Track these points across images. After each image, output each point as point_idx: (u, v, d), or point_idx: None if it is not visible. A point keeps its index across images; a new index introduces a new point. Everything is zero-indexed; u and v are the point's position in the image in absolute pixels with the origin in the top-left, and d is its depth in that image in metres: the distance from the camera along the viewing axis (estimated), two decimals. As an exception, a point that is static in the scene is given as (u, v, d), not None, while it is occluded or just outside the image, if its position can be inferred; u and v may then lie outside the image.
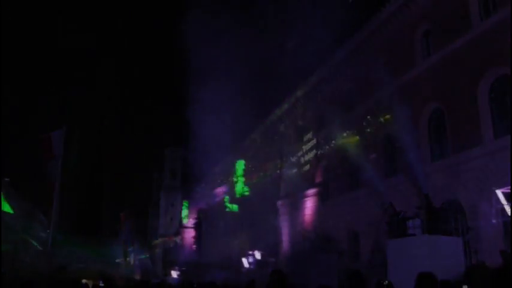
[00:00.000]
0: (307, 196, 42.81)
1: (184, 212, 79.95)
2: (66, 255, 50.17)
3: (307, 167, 42.83)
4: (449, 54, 26.81)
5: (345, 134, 36.35)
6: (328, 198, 39.43)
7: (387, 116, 31.16)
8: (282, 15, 39.45)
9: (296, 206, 44.01)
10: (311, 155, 42.20)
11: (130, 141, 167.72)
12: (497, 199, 18.43)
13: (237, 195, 51.31)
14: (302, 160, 43.47)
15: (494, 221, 18.58)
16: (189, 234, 51.53)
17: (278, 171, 47.46)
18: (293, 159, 44.58)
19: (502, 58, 23.08)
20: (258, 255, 43.36)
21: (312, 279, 22.17)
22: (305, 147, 42.80)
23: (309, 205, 42.49)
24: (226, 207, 53.87)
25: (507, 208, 18.23)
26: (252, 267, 42.59)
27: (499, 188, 18.80)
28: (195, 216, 50.70)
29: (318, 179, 42.02)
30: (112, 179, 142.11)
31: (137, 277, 54.97)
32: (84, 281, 24.16)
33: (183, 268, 55.84)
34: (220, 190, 53.53)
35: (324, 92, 41.06)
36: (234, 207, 51.34)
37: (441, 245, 17.02)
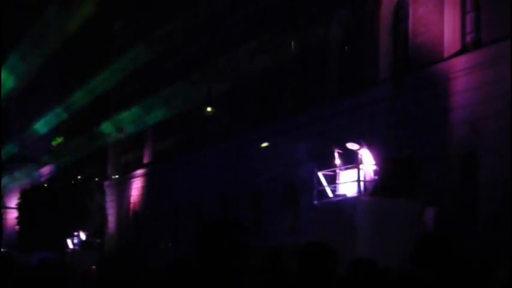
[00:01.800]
0: (135, 177, 42.73)
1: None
2: None
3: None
4: None
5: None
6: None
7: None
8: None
9: (123, 187, 43.82)
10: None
11: None
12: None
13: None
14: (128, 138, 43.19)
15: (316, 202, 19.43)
16: (12, 215, 50.11)
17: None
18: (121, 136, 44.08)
19: None
20: (83, 235, 42.78)
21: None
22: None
23: (137, 185, 42.46)
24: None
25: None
26: (76, 248, 41.97)
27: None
28: (18, 196, 49.28)
29: (146, 160, 42.05)
30: None
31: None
32: None
33: (4, 250, 53.86)
34: (46, 170, 52.17)
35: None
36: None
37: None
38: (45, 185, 48.58)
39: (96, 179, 47.34)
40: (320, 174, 19.15)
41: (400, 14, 23.97)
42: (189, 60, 35.34)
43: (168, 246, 32.80)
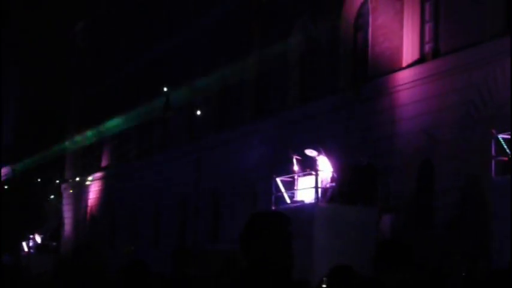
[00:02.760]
0: (93, 180, 42.36)
1: None
2: None
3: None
4: None
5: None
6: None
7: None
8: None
9: (81, 190, 43.42)
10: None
11: None
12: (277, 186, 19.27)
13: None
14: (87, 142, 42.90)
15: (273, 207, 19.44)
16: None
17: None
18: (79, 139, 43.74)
19: None
20: (38, 239, 42.29)
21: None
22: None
23: (95, 189, 42.11)
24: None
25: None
26: (32, 251, 41.48)
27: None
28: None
29: (105, 163, 41.74)
30: None
31: None
32: None
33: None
34: (3, 171, 51.54)
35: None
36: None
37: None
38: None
39: (57, 181, 46.76)
40: (278, 180, 19.18)
41: (360, 23, 24.19)
42: (149, 65, 35.25)
43: (130, 250, 32.60)
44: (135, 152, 38.03)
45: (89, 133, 41.77)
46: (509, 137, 13.25)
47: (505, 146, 12.99)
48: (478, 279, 9.57)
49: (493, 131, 13.32)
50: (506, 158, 13.12)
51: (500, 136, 13.08)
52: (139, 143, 37.99)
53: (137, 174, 36.99)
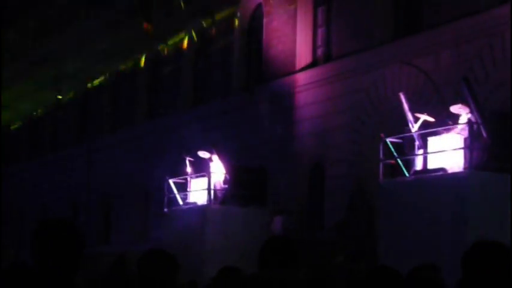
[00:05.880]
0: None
1: None
2: None
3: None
4: None
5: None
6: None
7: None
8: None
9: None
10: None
11: None
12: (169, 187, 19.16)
13: None
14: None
15: (166, 209, 19.35)
16: None
17: None
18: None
19: None
20: None
21: None
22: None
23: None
24: None
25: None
26: None
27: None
28: None
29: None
30: None
31: None
32: None
33: None
34: None
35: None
36: None
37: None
38: None
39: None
40: (171, 181, 19.10)
41: (254, 26, 24.34)
42: (38, 62, 34.37)
43: (10, 254, 31.60)
44: (23, 152, 37.01)
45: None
46: (396, 140, 13.61)
47: (393, 150, 13.32)
48: (360, 280, 9.78)
49: (381, 135, 13.63)
50: (393, 162, 13.45)
51: (388, 140, 13.40)
52: (27, 143, 37.03)
53: (25, 175, 36.03)
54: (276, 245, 4.38)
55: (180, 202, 18.91)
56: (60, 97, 32.09)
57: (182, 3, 24.83)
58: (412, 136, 12.84)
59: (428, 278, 5.91)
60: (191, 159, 18.78)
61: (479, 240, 3.50)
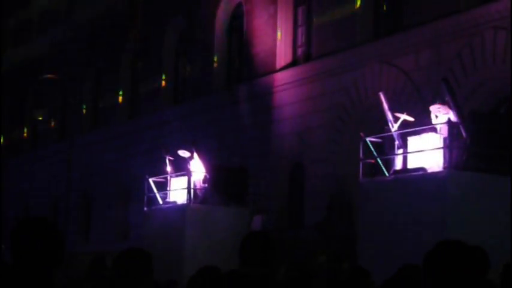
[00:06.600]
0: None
1: None
2: None
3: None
4: None
5: None
6: None
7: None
8: None
9: None
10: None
11: None
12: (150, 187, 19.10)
13: None
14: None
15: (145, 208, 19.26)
16: None
17: None
18: None
19: None
20: None
21: None
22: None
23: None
24: None
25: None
26: None
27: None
28: None
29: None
30: None
31: None
32: None
33: None
34: None
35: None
36: None
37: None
38: None
39: None
40: (151, 180, 19.02)
41: (235, 24, 24.33)
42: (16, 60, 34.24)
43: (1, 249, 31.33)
44: (2, 150, 36.78)
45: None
46: (376, 140, 13.62)
47: (373, 149, 13.33)
48: (342, 280, 9.80)
49: (361, 134, 13.64)
50: (373, 161, 13.47)
51: (368, 139, 13.41)
52: (6, 141, 36.79)
53: (3, 174, 35.78)
54: (255, 241, 4.40)
55: (160, 201, 18.84)
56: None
57: None
58: (392, 136, 12.85)
59: (414, 278, 5.92)
60: (171, 158, 18.72)
61: (441, 240, 3.52)
